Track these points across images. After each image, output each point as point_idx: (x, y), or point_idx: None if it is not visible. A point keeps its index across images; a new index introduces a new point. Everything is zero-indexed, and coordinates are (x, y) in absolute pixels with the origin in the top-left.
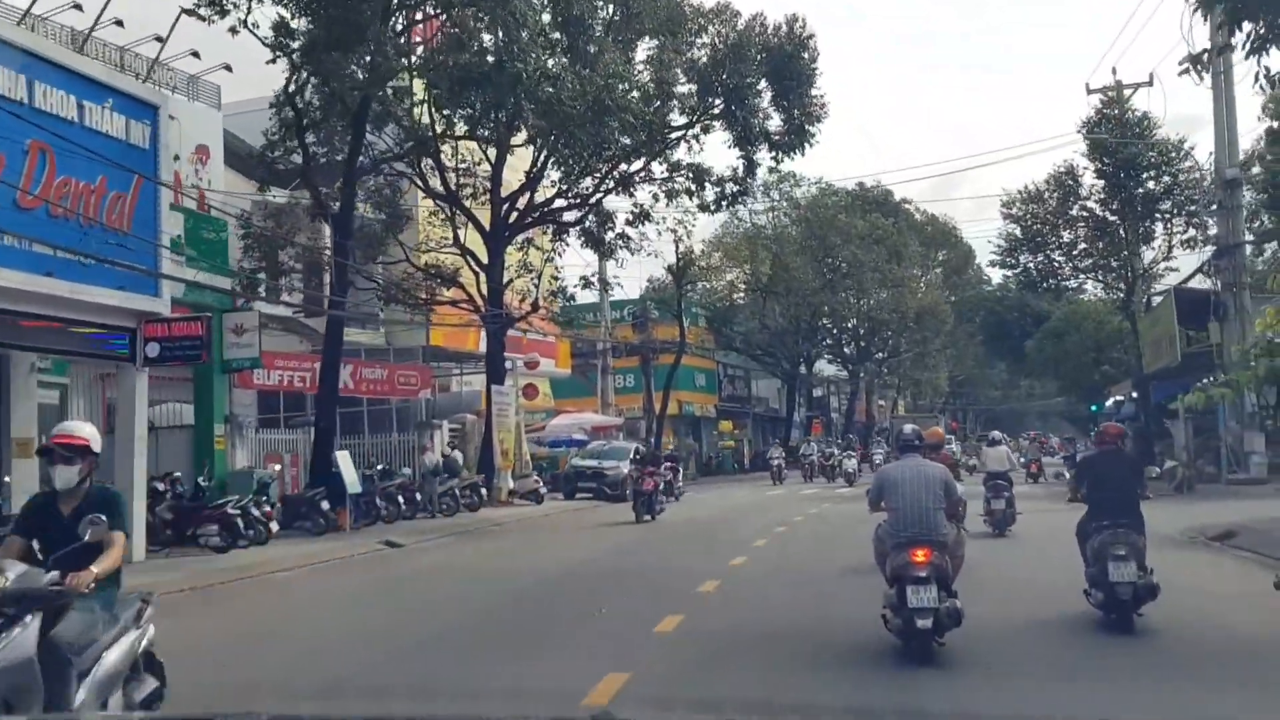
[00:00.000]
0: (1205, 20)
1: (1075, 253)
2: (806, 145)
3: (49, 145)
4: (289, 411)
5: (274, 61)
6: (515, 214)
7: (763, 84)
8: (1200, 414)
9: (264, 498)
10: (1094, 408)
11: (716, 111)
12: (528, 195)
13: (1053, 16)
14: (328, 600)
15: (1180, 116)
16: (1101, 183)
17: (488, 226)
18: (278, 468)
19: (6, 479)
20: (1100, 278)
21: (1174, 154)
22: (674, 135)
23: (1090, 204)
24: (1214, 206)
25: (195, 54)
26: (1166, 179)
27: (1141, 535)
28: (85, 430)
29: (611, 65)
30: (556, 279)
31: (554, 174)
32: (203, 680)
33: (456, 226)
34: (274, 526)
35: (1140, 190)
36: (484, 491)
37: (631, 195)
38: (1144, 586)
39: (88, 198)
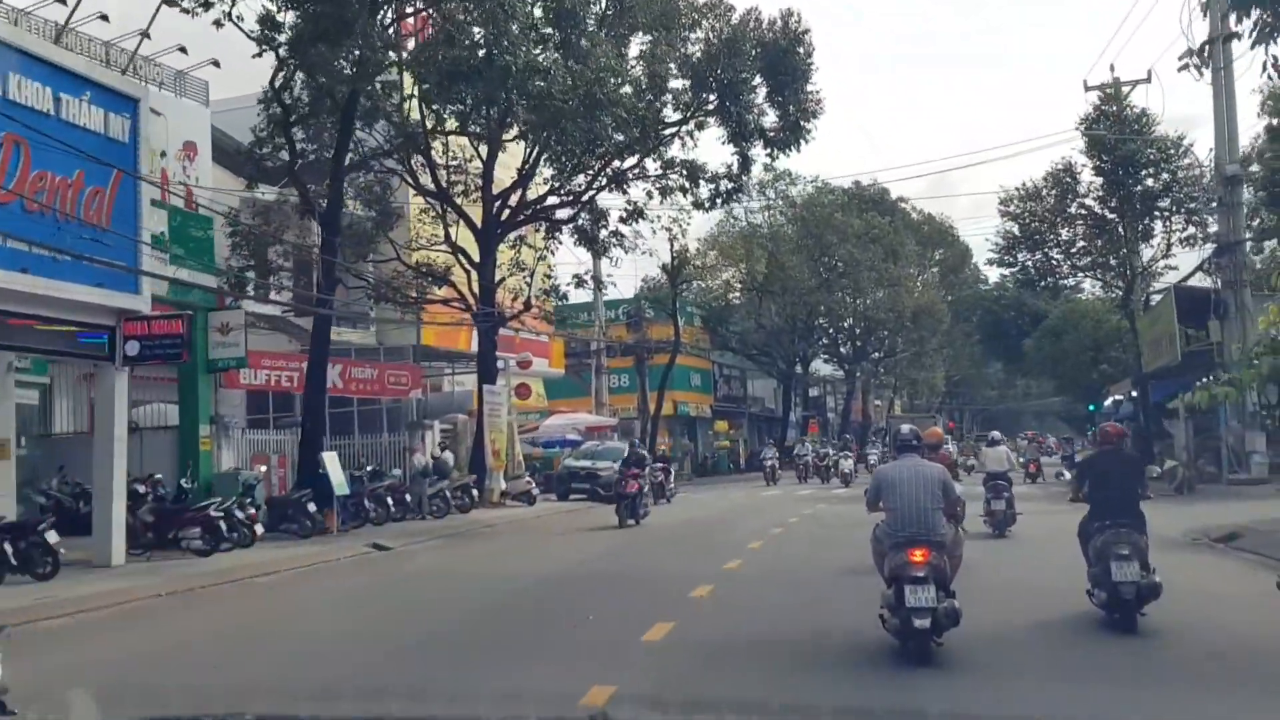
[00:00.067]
0: (1205, 17)
1: (1073, 251)
2: (802, 142)
3: (24, 138)
4: (278, 412)
5: (260, 55)
6: (507, 211)
7: (757, 79)
8: (1200, 413)
9: (249, 500)
10: (1092, 407)
11: (711, 107)
12: (520, 192)
13: (1051, 15)
14: (312, 605)
15: (1179, 116)
16: (1100, 180)
17: (479, 224)
18: (263, 469)
19: None
20: (1099, 276)
21: (1173, 151)
22: (668, 131)
23: (1089, 201)
24: (1214, 203)
25: (183, 49)
26: (1165, 176)
27: (1144, 535)
28: None
29: (604, 59)
30: (549, 277)
31: (546, 170)
32: (190, 682)
33: (447, 224)
34: (259, 529)
35: (1139, 187)
36: (475, 493)
37: (625, 192)
38: (1147, 586)
39: (65, 192)
